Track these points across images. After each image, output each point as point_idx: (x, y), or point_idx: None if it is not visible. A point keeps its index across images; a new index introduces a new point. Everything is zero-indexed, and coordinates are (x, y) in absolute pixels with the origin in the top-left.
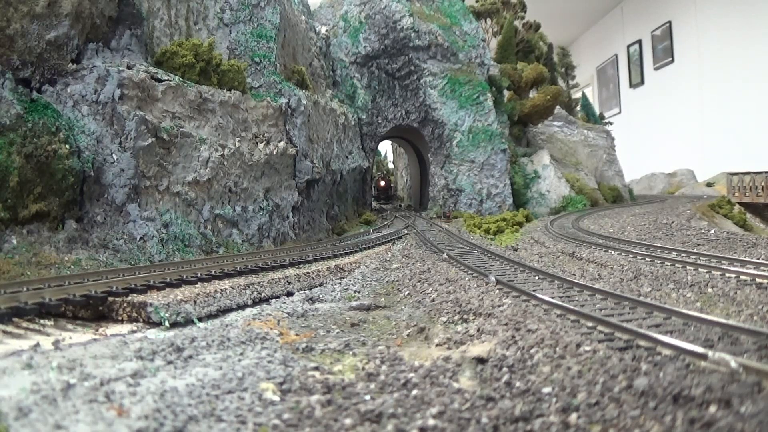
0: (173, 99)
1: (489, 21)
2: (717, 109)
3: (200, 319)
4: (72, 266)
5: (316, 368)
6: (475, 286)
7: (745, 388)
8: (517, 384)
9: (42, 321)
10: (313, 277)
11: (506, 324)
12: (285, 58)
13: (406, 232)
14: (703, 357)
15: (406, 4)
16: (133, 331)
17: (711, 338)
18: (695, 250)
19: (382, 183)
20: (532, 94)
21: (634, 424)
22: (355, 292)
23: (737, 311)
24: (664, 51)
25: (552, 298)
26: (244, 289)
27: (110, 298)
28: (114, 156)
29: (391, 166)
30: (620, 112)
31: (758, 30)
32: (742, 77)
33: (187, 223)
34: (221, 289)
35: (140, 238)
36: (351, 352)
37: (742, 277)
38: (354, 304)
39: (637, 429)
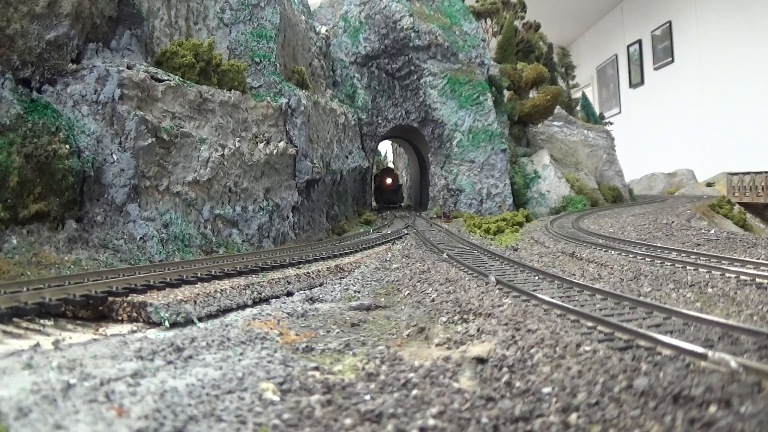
0: (173, 99)
1: (489, 21)
2: (717, 109)
3: (200, 319)
4: (72, 266)
5: (316, 368)
6: (475, 286)
7: (745, 388)
8: (517, 384)
9: (42, 321)
10: (313, 277)
11: (506, 324)
12: (285, 58)
13: (406, 232)
14: (703, 357)
15: (406, 4)
16: (133, 331)
17: (711, 338)
18: (695, 250)
19: (389, 180)
20: (532, 94)
21: (634, 424)
22: (355, 292)
23: (737, 311)
24: (664, 51)
25: (552, 298)
26: (244, 289)
27: (110, 298)
28: (114, 156)
29: (391, 165)
30: (620, 112)
31: (758, 30)
32: (742, 77)
33: (187, 223)
34: (221, 289)
35: (140, 238)
36: (351, 352)
37: (742, 277)
38: (354, 304)
39: (637, 429)
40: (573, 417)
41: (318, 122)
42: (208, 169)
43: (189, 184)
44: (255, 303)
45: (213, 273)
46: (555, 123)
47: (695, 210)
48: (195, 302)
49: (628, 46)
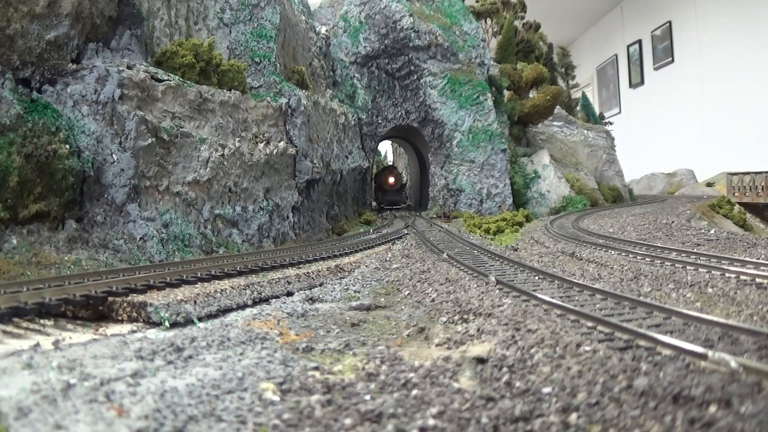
0: (173, 99)
1: (489, 21)
2: (717, 109)
3: (200, 319)
4: (72, 266)
5: (316, 368)
6: (475, 286)
7: (745, 388)
8: (517, 384)
9: (42, 321)
10: (313, 277)
11: (506, 324)
12: (285, 58)
13: (406, 232)
14: (703, 357)
15: (406, 4)
16: (133, 331)
17: (711, 338)
18: (695, 250)
19: (391, 179)
20: (532, 94)
21: (634, 424)
22: (355, 292)
23: (737, 311)
24: (664, 51)
25: (552, 298)
26: (244, 289)
27: (110, 298)
28: (114, 156)
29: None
30: (620, 112)
31: (758, 30)
32: (742, 77)
33: (187, 223)
34: (221, 289)
35: (140, 238)
36: (351, 352)
37: (742, 277)
38: (354, 304)
39: (637, 429)
40: (573, 417)
41: (318, 122)
42: (208, 169)
43: (189, 184)
44: (255, 303)
45: (213, 273)
46: (555, 123)
47: (695, 210)
48: (195, 302)
49: (628, 46)
